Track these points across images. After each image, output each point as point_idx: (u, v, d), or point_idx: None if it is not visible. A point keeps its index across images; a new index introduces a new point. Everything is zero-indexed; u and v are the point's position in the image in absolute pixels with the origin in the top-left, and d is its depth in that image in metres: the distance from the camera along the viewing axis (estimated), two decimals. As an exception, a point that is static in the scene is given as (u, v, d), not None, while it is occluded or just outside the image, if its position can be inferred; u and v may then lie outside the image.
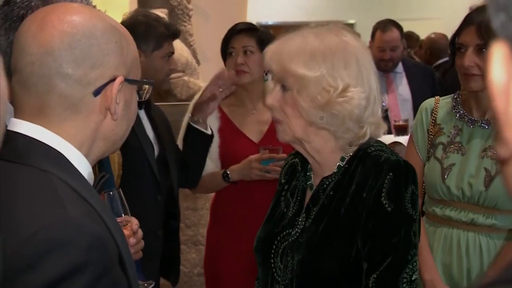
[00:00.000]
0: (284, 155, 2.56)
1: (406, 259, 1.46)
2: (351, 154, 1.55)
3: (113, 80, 1.04)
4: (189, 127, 2.57)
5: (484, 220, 2.05)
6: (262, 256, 1.64)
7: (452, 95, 2.20)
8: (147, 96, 1.17)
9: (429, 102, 2.22)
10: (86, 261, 0.87)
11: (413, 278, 1.47)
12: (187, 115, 2.66)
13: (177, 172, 2.64)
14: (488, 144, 2.06)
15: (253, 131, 2.70)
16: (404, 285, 1.45)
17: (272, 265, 1.59)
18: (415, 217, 1.48)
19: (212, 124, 2.67)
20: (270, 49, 1.54)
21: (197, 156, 2.63)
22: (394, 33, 4.08)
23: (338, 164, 1.55)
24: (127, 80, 1.07)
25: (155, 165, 2.57)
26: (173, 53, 2.65)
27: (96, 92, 1.03)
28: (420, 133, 2.19)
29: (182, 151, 2.67)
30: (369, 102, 1.49)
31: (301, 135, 1.53)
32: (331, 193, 1.54)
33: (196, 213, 3.72)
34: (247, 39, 2.63)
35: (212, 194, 2.98)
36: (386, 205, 1.45)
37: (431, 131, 2.16)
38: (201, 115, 2.54)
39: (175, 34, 2.66)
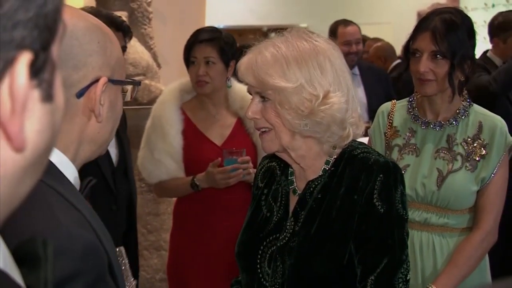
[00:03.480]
0: (248, 158, 2.57)
1: (401, 260, 1.48)
2: (335, 157, 1.55)
3: (96, 81, 1.02)
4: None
5: (437, 219, 2.11)
6: (246, 261, 1.62)
7: (408, 98, 2.26)
8: (132, 96, 1.15)
9: (385, 106, 2.29)
10: (79, 270, 0.85)
11: (407, 278, 1.49)
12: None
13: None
14: (441, 145, 2.14)
15: (216, 135, 2.71)
16: (400, 285, 1.47)
17: (259, 270, 1.57)
18: (405, 217, 1.50)
19: (175, 125, 2.67)
20: (244, 64, 1.51)
21: None
22: (356, 27, 4.22)
23: (323, 167, 1.56)
24: (111, 81, 1.04)
25: (110, 176, 2.51)
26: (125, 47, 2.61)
27: (80, 94, 1.00)
28: (378, 136, 2.25)
29: None
30: (349, 103, 1.50)
31: (287, 144, 1.52)
32: (319, 196, 1.53)
33: (158, 218, 3.68)
34: (209, 49, 2.63)
35: (174, 199, 2.96)
36: (379, 207, 1.46)
37: (387, 134, 2.22)
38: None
39: (126, 30, 2.62)
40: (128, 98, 1.15)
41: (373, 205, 1.46)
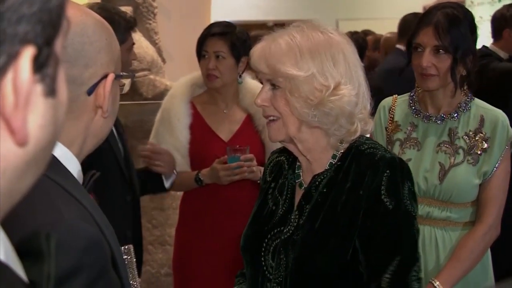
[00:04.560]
0: (251, 156, 2.57)
1: (414, 257, 1.49)
2: (342, 151, 1.56)
3: (104, 77, 1.03)
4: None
5: (439, 213, 2.12)
6: (250, 254, 1.63)
7: (409, 93, 2.26)
8: (127, 89, 1.16)
9: (387, 101, 2.29)
10: (82, 264, 0.85)
11: (420, 276, 1.49)
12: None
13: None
14: (443, 139, 2.14)
15: (224, 130, 2.71)
16: (414, 283, 1.48)
17: (263, 263, 1.58)
18: (414, 213, 1.50)
19: (183, 119, 2.68)
20: (257, 50, 1.52)
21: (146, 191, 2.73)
22: None
23: (330, 161, 1.56)
24: (116, 76, 1.06)
25: (123, 164, 2.54)
26: (134, 43, 2.63)
27: (90, 91, 1.02)
28: (379, 131, 2.25)
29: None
30: (359, 98, 1.51)
31: (294, 133, 1.52)
32: (324, 190, 1.54)
33: (163, 213, 3.69)
34: (220, 44, 2.63)
35: (180, 194, 2.97)
36: (387, 203, 1.46)
37: (388, 129, 2.22)
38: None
39: (133, 24, 2.64)
40: (126, 90, 1.16)
41: (382, 202, 1.46)
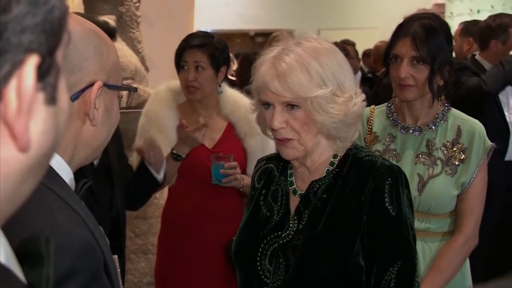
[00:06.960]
0: (235, 163, 2.58)
1: (414, 264, 1.53)
2: (339, 158, 1.60)
3: (91, 85, 1.03)
4: (142, 167, 2.53)
5: (418, 224, 2.12)
6: (244, 259, 1.64)
7: (386, 103, 2.28)
8: (128, 102, 1.16)
9: (364, 111, 2.29)
10: (76, 268, 0.86)
11: (419, 281, 1.55)
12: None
13: (122, 185, 2.59)
14: (421, 150, 2.16)
15: (207, 138, 2.72)
16: None
17: (259, 267, 1.60)
18: (410, 221, 1.54)
19: (171, 120, 2.69)
20: (268, 75, 1.50)
21: (145, 193, 2.64)
22: None
23: (327, 168, 1.59)
24: (106, 85, 1.06)
25: (90, 175, 2.51)
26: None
27: (74, 98, 1.02)
28: (358, 142, 2.25)
29: (132, 172, 2.61)
30: None
31: (310, 148, 1.55)
32: (324, 196, 1.57)
33: (146, 222, 3.69)
34: (200, 54, 2.64)
35: (163, 202, 2.97)
36: (391, 210, 1.50)
37: (367, 140, 2.23)
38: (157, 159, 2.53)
39: (110, 31, 2.63)
40: (123, 104, 1.16)
41: (385, 209, 1.50)
